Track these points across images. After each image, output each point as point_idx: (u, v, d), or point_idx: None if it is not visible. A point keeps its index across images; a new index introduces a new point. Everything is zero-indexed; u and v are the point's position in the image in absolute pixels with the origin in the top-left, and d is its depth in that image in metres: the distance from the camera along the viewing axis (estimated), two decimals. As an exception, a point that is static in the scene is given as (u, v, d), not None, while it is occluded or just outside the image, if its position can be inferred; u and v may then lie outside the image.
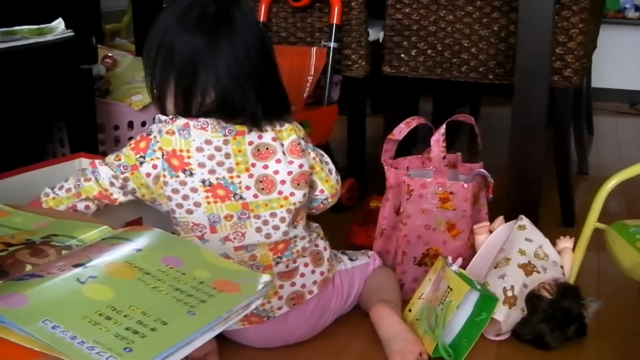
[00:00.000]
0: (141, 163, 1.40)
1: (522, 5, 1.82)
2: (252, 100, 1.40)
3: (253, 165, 1.42)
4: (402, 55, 2.20)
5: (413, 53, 2.18)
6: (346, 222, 2.07)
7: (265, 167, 1.42)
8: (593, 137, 3.27)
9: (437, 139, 1.65)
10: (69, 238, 1.13)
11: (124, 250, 1.05)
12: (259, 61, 1.41)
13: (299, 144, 1.46)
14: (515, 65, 1.86)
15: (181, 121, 1.40)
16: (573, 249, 1.66)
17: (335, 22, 2.11)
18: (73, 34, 2.07)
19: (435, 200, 1.65)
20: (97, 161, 1.45)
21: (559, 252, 1.65)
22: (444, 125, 1.66)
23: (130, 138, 2.26)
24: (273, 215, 1.44)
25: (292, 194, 1.45)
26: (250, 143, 1.42)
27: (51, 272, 0.96)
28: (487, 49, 2.07)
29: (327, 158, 1.56)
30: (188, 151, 1.39)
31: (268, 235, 1.45)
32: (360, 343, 1.56)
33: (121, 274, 0.98)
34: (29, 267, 1.02)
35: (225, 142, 1.40)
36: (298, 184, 1.45)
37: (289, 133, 1.45)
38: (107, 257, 1.02)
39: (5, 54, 1.88)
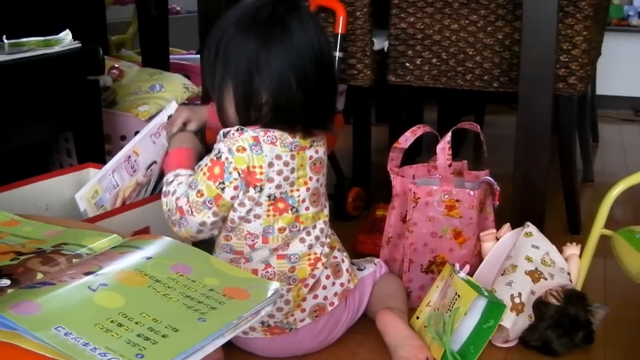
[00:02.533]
0: (222, 189, 1.38)
1: (526, 13, 1.83)
2: (303, 107, 1.40)
3: (310, 179, 1.45)
4: (407, 64, 2.21)
5: (418, 62, 2.18)
6: (352, 230, 2.07)
7: (317, 180, 1.47)
8: (598, 144, 3.27)
9: (443, 146, 1.66)
10: (79, 246, 1.14)
11: (134, 258, 1.06)
12: (313, 69, 1.39)
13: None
14: (520, 73, 1.87)
15: (249, 134, 1.38)
16: (580, 256, 1.67)
17: (340, 31, 2.11)
18: (80, 45, 2.09)
19: (441, 207, 1.66)
20: (185, 207, 1.39)
21: (566, 259, 1.65)
22: (449, 133, 1.67)
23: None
24: (314, 227, 1.48)
25: (325, 206, 1.51)
26: (310, 158, 1.45)
27: (62, 280, 0.97)
28: (491, 57, 2.08)
29: None
30: (261, 167, 1.38)
31: (310, 247, 1.47)
32: (369, 349, 1.56)
33: (132, 282, 0.99)
34: (40, 276, 1.03)
35: (292, 157, 1.42)
36: (326, 197, 1.51)
37: (323, 147, 1.49)
38: (118, 265, 1.03)
39: (13, 65, 1.89)
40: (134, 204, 1.61)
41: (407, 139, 1.73)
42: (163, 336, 0.89)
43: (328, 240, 1.51)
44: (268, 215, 1.42)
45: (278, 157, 1.40)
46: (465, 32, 2.10)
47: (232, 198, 1.39)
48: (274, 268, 1.44)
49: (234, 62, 1.39)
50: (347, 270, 1.54)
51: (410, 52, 2.19)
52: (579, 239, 1.72)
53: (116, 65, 2.53)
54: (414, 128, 1.73)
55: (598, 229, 1.65)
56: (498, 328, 1.49)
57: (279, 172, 1.40)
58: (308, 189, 1.45)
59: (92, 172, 1.83)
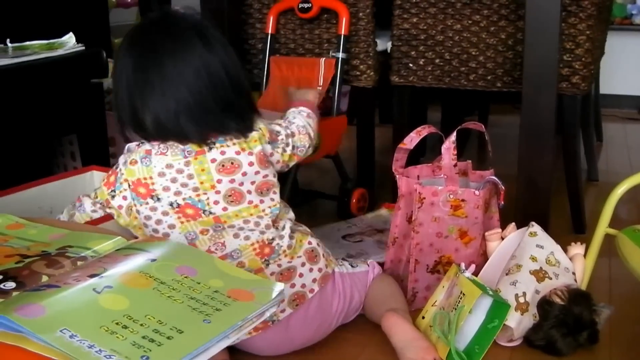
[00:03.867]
0: (112, 197, 1.46)
1: (529, 13, 1.83)
2: (189, 126, 1.41)
3: (219, 181, 1.43)
4: (410, 65, 2.21)
5: (421, 62, 2.18)
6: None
7: (232, 181, 1.44)
8: (602, 143, 3.27)
9: (448, 146, 1.66)
10: (84, 249, 1.14)
11: (138, 260, 1.06)
12: (197, 84, 1.41)
13: (265, 154, 1.48)
14: (523, 73, 1.87)
15: (143, 148, 1.44)
16: (584, 255, 1.66)
17: (343, 32, 2.12)
18: (84, 48, 2.09)
19: (446, 207, 1.66)
20: (81, 195, 1.53)
21: (571, 259, 1.65)
22: (454, 133, 1.67)
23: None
24: (246, 222, 1.46)
25: (261, 201, 1.47)
26: (213, 160, 1.43)
27: (67, 282, 0.97)
28: (494, 57, 2.08)
29: (283, 142, 1.55)
30: (151, 178, 1.42)
31: (247, 237, 1.46)
32: (371, 352, 1.56)
33: (136, 284, 0.99)
34: (45, 278, 1.03)
35: (187, 164, 1.42)
36: (261, 192, 1.47)
37: (254, 144, 1.46)
38: (122, 267, 1.03)
39: (17, 69, 1.90)
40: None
41: (412, 139, 1.73)
42: (168, 338, 0.89)
43: (277, 231, 1.49)
44: (182, 222, 1.43)
45: (169, 165, 1.42)
46: (468, 32, 2.10)
47: (120, 207, 1.45)
48: None
49: (117, 84, 1.45)
50: (323, 255, 1.54)
51: (413, 53, 2.19)
52: (584, 239, 1.72)
53: (120, 68, 2.53)
54: (419, 128, 1.73)
55: (603, 228, 1.65)
56: (502, 327, 1.49)
57: (173, 180, 1.42)
58: (218, 192, 1.43)
59: (96, 174, 1.83)
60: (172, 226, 1.44)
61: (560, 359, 1.52)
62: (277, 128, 1.56)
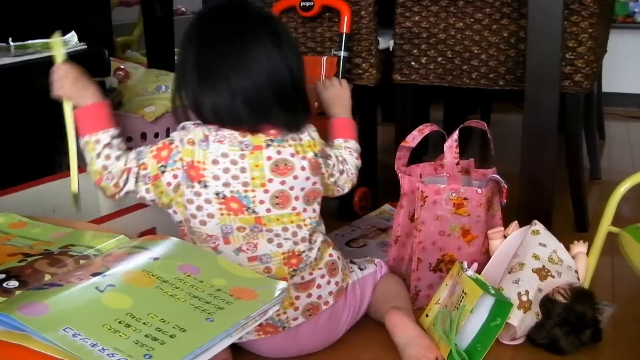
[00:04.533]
0: (162, 172, 1.42)
1: (531, 11, 1.82)
2: (245, 107, 1.40)
3: (270, 180, 1.42)
4: (413, 63, 2.21)
5: (423, 61, 2.18)
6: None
7: (283, 182, 1.43)
8: (605, 141, 3.26)
9: (450, 145, 1.66)
10: (87, 248, 1.14)
11: (141, 259, 1.06)
12: (259, 73, 1.41)
13: (317, 161, 1.48)
14: (526, 71, 1.87)
15: (201, 130, 1.42)
16: (587, 254, 1.66)
17: (345, 31, 2.12)
18: (86, 47, 2.09)
19: (449, 206, 1.66)
20: (134, 170, 1.43)
21: (573, 257, 1.65)
22: (456, 132, 1.66)
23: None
24: (285, 229, 1.44)
25: (304, 210, 1.46)
26: (269, 158, 1.42)
27: (70, 281, 0.97)
28: (497, 55, 2.08)
29: (335, 169, 1.57)
30: (204, 163, 1.40)
31: (279, 245, 1.45)
32: (374, 351, 1.56)
33: (139, 283, 0.99)
34: (48, 277, 1.03)
35: (242, 157, 1.41)
36: (308, 201, 1.46)
37: (308, 149, 1.46)
38: (125, 265, 1.03)
39: (19, 67, 1.90)
40: (140, 204, 1.61)
41: (414, 137, 1.73)
42: (171, 336, 0.89)
43: (310, 244, 1.48)
44: (222, 214, 1.41)
45: (224, 154, 1.40)
46: (470, 31, 2.09)
47: (168, 184, 1.42)
48: (250, 266, 1.44)
49: (183, 64, 1.44)
50: (341, 269, 1.54)
51: (415, 51, 2.19)
52: (587, 237, 1.72)
53: (122, 67, 2.53)
54: (421, 127, 1.73)
55: (605, 226, 1.64)
56: (505, 326, 1.49)
57: (226, 170, 1.40)
58: (267, 191, 1.42)
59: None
60: (211, 215, 1.42)
61: (563, 357, 1.52)
62: (330, 153, 1.57)
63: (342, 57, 2.12)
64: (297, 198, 1.44)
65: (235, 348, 1.48)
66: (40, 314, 0.88)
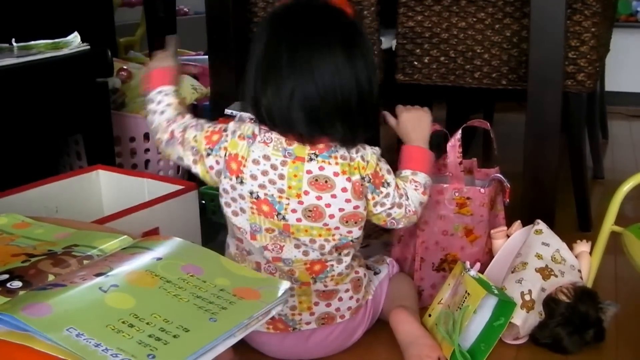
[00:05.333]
0: (207, 155, 1.44)
1: (534, 10, 1.82)
2: (301, 112, 1.35)
3: (306, 193, 1.39)
4: (415, 63, 2.21)
5: (426, 60, 2.18)
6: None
7: (319, 198, 1.39)
8: (607, 141, 3.26)
9: (453, 144, 1.66)
10: (90, 248, 1.14)
11: (144, 259, 1.06)
12: (321, 82, 1.34)
13: (362, 184, 1.41)
14: (528, 71, 1.87)
15: (252, 129, 1.41)
16: (590, 253, 1.66)
17: (348, 31, 2.11)
18: (88, 47, 2.10)
19: (452, 205, 1.66)
20: (177, 135, 1.47)
21: (576, 256, 1.65)
22: (459, 131, 1.66)
23: (147, 150, 2.29)
24: (312, 241, 1.43)
25: (337, 228, 1.42)
26: (309, 172, 1.38)
27: (74, 281, 0.97)
28: (499, 54, 2.08)
29: (388, 199, 1.46)
30: (246, 160, 1.40)
31: (306, 253, 1.44)
32: (378, 350, 1.56)
33: (142, 283, 0.99)
34: (51, 277, 1.03)
35: (283, 163, 1.38)
36: (347, 222, 1.42)
37: (355, 171, 1.40)
38: (128, 266, 1.03)
39: (22, 68, 1.91)
40: (143, 204, 1.61)
41: (416, 137, 1.72)
42: (174, 336, 0.89)
43: (337, 255, 1.47)
44: (253, 213, 1.41)
45: (266, 157, 1.39)
46: (473, 30, 2.09)
47: (211, 168, 1.44)
48: (272, 269, 1.46)
49: (250, 60, 1.40)
50: (365, 287, 1.54)
51: (418, 51, 2.19)
52: (590, 236, 1.72)
53: (125, 67, 2.54)
54: (423, 127, 1.72)
55: (608, 225, 1.64)
56: (508, 325, 1.49)
57: (264, 173, 1.39)
58: (301, 203, 1.39)
59: (102, 174, 1.84)
60: (243, 210, 1.42)
61: (566, 357, 1.53)
62: (390, 180, 1.46)
63: (344, 57, 2.12)
64: (332, 216, 1.40)
65: (240, 348, 1.48)
66: (44, 314, 0.88)
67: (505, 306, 1.50)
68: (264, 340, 1.50)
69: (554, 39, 1.82)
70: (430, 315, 1.60)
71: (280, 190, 1.39)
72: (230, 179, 1.41)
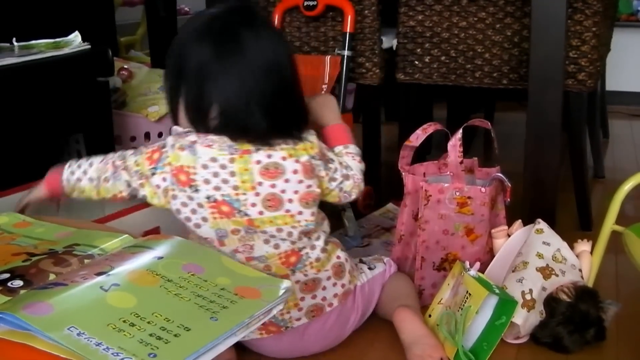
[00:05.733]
0: (152, 174, 1.44)
1: (534, 10, 1.82)
2: (257, 119, 1.40)
3: (259, 183, 1.41)
4: (416, 62, 2.21)
5: (427, 60, 2.18)
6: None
7: (273, 185, 1.42)
8: (608, 140, 3.26)
9: (454, 144, 1.66)
10: (91, 247, 1.15)
11: (145, 258, 1.06)
12: (268, 80, 1.41)
13: (311, 164, 1.45)
14: (529, 70, 1.87)
15: (191, 138, 1.42)
16: (591, 252, 1.66)
17: (348, 30, 2.11)
18: (89, 47, 2.09)
19: (453, 205, 1.66)
20: (118, 163, 1.48)
21: (577, 256, 1.65)
22: (460, 130, 1.66)
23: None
24: (279, 230, 1.44)
25: (299, 213, 1.44)
26: (258, 162, 1.41)
27: (75, 280, 0.97)
28: (500, 54, 2.08)
29: (337, 173, 1.52)
30: (194, 168, 1.41)
31: (277, 246, 1.45)
32: (379, 348, 1.56)
33: (143, 282, 1.00)
34: (52, 276, 1.04)
35: (231, 160, 1.41)
36: (307, 203, 1.45)
37: (302, 152, 1.44)
38: (129, 265, 1.03)
39: (23, 67, 1.91)
40: (143, 204, 1.61)
41: (418, 136, 1.73)
42: (175, 335, 0.89)
43: (309, 241, 1.48)
44: (215, 218, 1.42)
45: (213, 159, 1.40)
46: (474, 30, 2.09)
47: (157, 187, 1.44)
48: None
49: (187, 71, 1.42)
50: (349, 271, 1.54)
51: (419, 50, 2.19)
52: (590, 235, 1.72)
53: (126, 67, 2.54)
54: (424, 126, 1.73)
55: (609, 225, 1.64)
56: (509, 325, 1.49)
57: (215, 174, 1.40)
58: (257, 194, 1.41)
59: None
60: (204, 219, 1.43)
61: (567, 356, 1.52)
62: (332, 157, 1.53)
63: (345, 57, 2.12)
64: (290, 200, 1.43)
65: (240, 348, 1.49)
66: (45, 313, 0.88)
67: (506, 305, 1.50)
68: (260, 344, 1.50)
69: (555, 39, 1.82)
70: (430, 316, 1.60)
71: (235, 187, 1.41)
72: (184, 191, 1.42)
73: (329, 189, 1.51)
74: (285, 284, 1.07)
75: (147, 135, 2.31)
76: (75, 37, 2.12)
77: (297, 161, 1.43)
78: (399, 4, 2.18)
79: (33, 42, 2.09)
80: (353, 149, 1.62)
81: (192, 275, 1.04)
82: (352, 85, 2.67)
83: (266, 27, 1.48)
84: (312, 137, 1.48)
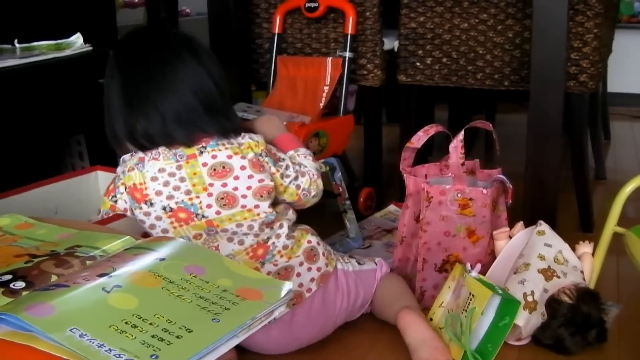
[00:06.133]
0: (115, 202, 1.50)
1: (536, 11, 1.82)
2: (177, 127, 1.44)
3: (211, 185, 1.44)
4: (417, 64, 2.21)
5: (428, 61, 2.18)
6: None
7: (224, 185, 1.45)
8: (610, 141, 3.26)
9: (456, 145, 1.66)
10: (93, 249, 1.15)
11: (147, 259, 1.07)
12: (185, 91, 1.45)
13: (258, 160, 1.47)
14: (531, 72, 1.87)
15: (137, 156, 1.47)
16: (592, 254, 1.66)
17: (350, 32, 2.12)
18: (91, 48, 2.10)
19: (454, 206, 1.66)
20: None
21: (579, 257, 1.65)
22: (462, 132, 1.66)
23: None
24: (239, 225, 1.46)
25: (256, 206, 1.47)
26: (205, 164, 1.44)
27: (77, 282, 0.97)
28: (502, 56, 2.08)
29: (290, 170, 1.54)
30: (144, 183, 1.45)
31: (241, 242, 1.48)
32: (380, 350, 1.56)
33: (145, 283, 1.00)
34: (54, 278, 1.04)
35: (179, 167, 1.44)
36: (261, 196, 1.47)
37: (247, 150, 1.47)
38: (131, 266, 1.04)
39: (24, 69, 1.91)
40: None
41: (419, 138, 1.72)
42: (177, 337, 0.89)
43: (272, 231, 1.49)
44: (175, 227, 1.46)
45: (161, 170, 1.44)
46: (475, 31, 2.09)
47: (125, 210, 1.49)
48: None
49: (109, 97, 1.49)
50: (323, 254, 1.54)
51: (420, 52, 2.19)
52: (592, 237, 1.72)
53: (127, 68, 2.53)
54: (426, 127, 1.73)
55: (611, 226, 1.64)
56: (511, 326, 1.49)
57: (165, 184, 1.44)
58: (210, 195, 1.44)
59: (101, 174, 1.84)
60: (165, 231, 1.46)
61: (568, 357, 1.52)
62: (283, 156, 1.56)
63: (347, 58, 2.13)
64: (244, 196, 1.46)
65: (240, 349, 1.49)
66: (47, 315, 0.88)
67: (509, 305, 1.49)
68: (250, 342, 1.50)
69: (556, 40, 1.82)
70: (431, 319, 1.60)
71: (187, 192, 1.44)
72: (141, 208, 1.46)
73: (284, 185, 1.52)
74: (287, 285, 1.07)
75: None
76: (77, 39, 2.13)
77: (243, 157, 1.46)
78: (401, 5, 2.19)
79: (35, 43, 2.09)
80: (304, 151, 1.64)
81: (194, 276, 1.04)
82: (354, 86, 2.67)
83: (176, 44, 1.50)
84: (257, 137, 1.51)
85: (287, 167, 1.53)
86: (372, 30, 2.17)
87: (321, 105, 2.12)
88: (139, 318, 0.91)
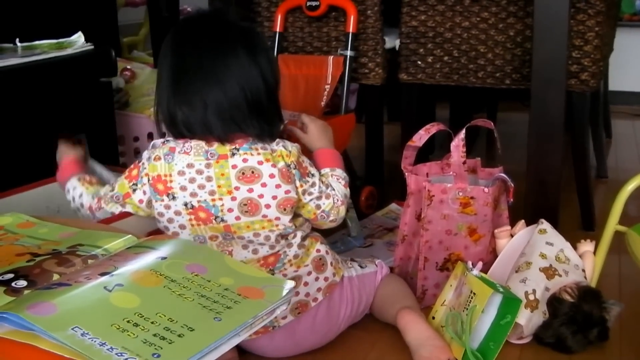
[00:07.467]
0: (134, 190, 1.48)
1: (537, 10, 1.82)
2: (216, 118, 1.41)
3: (237, 188, 1.41)
4: (419, 62, 2.21)
5: (429, 60, 2.18)
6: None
7: (250, 190, 1.42)
8: (611, 140, 3.26)
9: (457, 144, 1.66)
10: (95, 247, 1.15)
11: (149, 258, 1.07)
12: (232, 86, 1.42)
13: (288, 170, 1.44)
14: (532, 70, 1.87)
15: (168, 145, 1.44)
16: (594, 252, 1.66)
17: (351, 30, 2.12)
18: (92, 47, 2.10)
19: (456, 205, 1.66)
20: (94, 206, 1.54)
21: (580, 256, 1.65)
22: (463, 131, 1.66)
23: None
24: (256, 235, 1.45)
25: (277, 218, 1.44)
26: (234, 166, 1.42)
27: (78, 280, 0.97)
28: (503, 54, 2.08)
29: (315, 188, 1.50)
30: (171, 175, 1.43)
31: (255, 251, 1.47)
32: (380, 350, 1.56)
33: (147, 282, 1.00)
34: (56, 277, 1.04)
35: (208, 166, 1.42)
36: (284, 209, 1.44)
37: (279, 159, 1.44)
38: (133, 265, 1.04)
39: (26, 68, 1.91)
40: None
41: (421, 137, 1.72)
42: (179, 336, 0.89)
43: (286, 242, 1.48)
44: (192, 225, 1.44)
45: (190, 165, 1.42)
46: (476, 30, 2.09)
47: (140, 201, 1.48)
48: None
49: (158, 77, 1.47)
50: (331, 263, 1.53)
51: (421, 50, 2.19)
52: (593, 236, 1.72)
53: (128, 67, 2.54)
54: (427, 126, 1.73)
55: (612, 225, 1.64)
56: (513, 325, 1.49)
57: (192, 180, 1.42)
58: (234, 199, 1.42)
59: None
60: (182, 227, 1.45)
61: (570, 356, 1.52)
62: (314, 172, 1.51)
63: (348, 57, 2.12)
64: (267, 206, 1.43)
65: (241, 349, 1.49)
66: (49, 313, 0.88)
67: (510, 303, 1.49)
68: (253, 346, 1.50)
69: (558, 38, 1.82)
70: (434, 318, 1.60)
71: (212, 193, 1.42)
72: (162, 200, 1.44)
73: (303, 202, 1.49)
74: (289, 284, 1.07)
75: (150, 136, 2.31)
76: (78, 38, 2.13)
77: (274, 166, 1.43)
78: (402, 4, 2.19)
79: (36, 42, 2.09)
80: (340, 173, 1.61)
81: (196, 275, 1.04)
82: (355, 85, 2.67)
83: (234, 35, 1.48)
84: (291, 146, 1.47)
85: (312, 185, 1.49)
86: (373, 29, 2.17)
87: (322, 103, 2.12)
88: (141, 317, 0.91)
